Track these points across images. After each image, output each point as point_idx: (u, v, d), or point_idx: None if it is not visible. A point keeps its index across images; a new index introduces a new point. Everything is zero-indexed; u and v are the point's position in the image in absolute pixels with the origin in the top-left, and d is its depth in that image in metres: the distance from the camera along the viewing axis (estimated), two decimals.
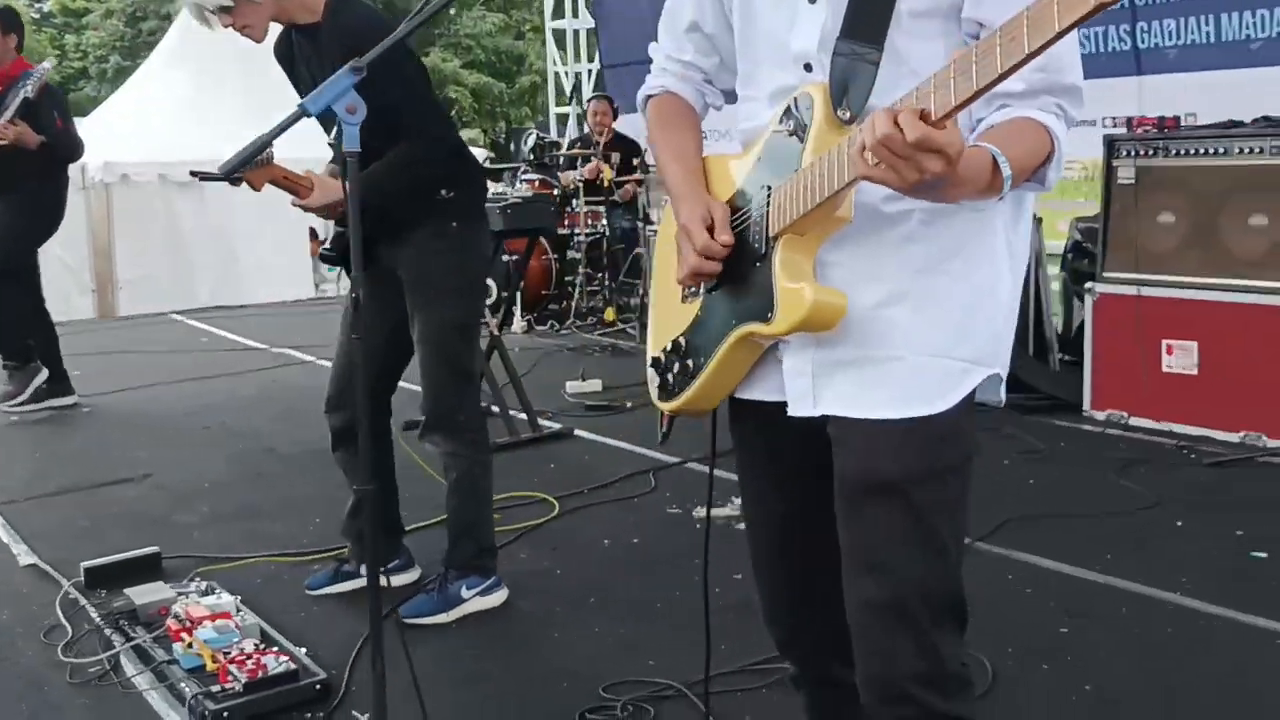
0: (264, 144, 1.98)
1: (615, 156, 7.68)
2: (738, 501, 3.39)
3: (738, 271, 1.50)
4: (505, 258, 7.80)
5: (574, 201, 7.63)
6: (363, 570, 2.85)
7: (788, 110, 1.44)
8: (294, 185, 2.88)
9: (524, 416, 5.00)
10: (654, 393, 1.70)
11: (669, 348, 1.65)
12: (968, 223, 1.41)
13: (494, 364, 4.99)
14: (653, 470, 4.30)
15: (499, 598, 3.20)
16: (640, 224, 7.80)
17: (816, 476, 1.52)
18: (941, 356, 1.41)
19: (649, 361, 1.71)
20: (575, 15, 10.61)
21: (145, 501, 4.23)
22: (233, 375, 6.55)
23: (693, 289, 1.62)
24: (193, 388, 6.25)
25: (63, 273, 8.36)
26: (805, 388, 1.46)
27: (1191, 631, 2.86)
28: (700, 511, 3.86)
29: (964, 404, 1.42)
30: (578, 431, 5.03)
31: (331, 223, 3.20)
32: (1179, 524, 3.61)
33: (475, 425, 3.16)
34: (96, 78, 25.42)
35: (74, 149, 5.59)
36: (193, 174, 2.85)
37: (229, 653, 2.74)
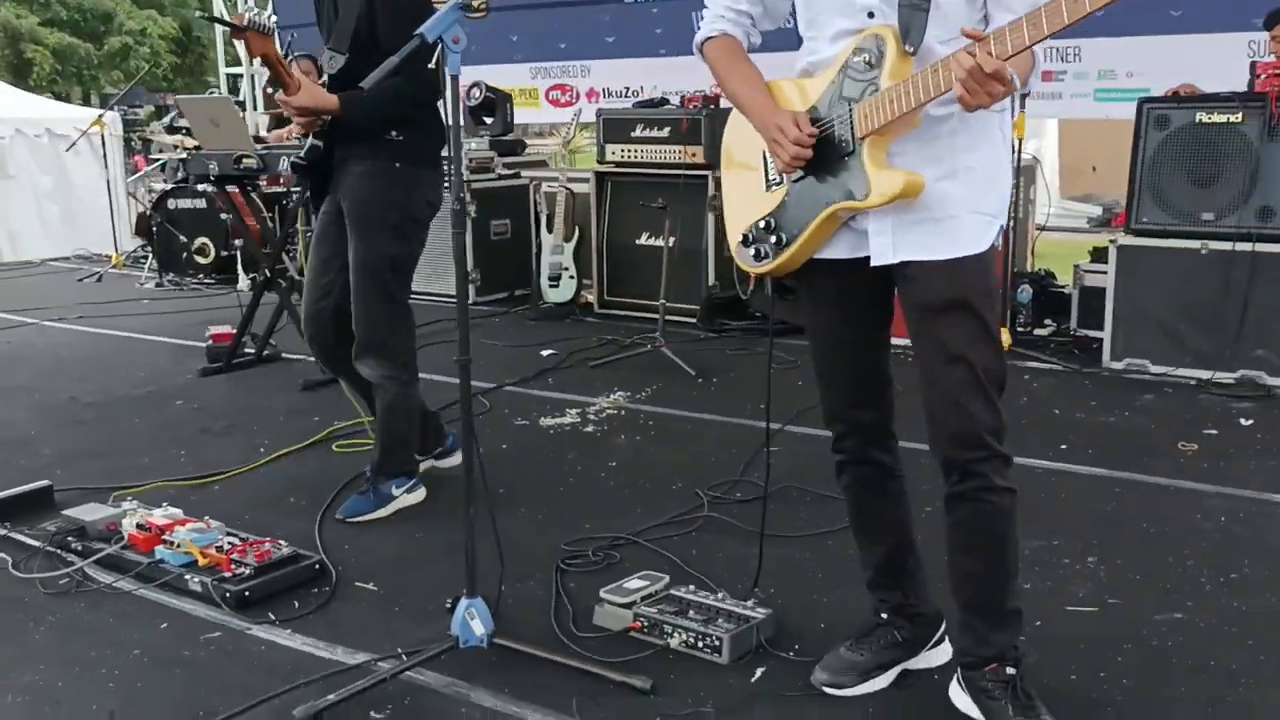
0: (392, 69, 2.32)
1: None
2: (573, 412, 4.02)
3: (824, 165, 2.12)
4: (224, 217, 7.76)
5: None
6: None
7: (860, 47, 2.07)
8: (283, 75, 3.10)
9: None
10: (745, 261, 2.28)
11: (761, 225, 2.24)
12: (983, 118, 2.06)
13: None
14: (481, 394, 4.74)
15: (421, 494, 3.56)
16: None
17: (874, 309, 2.22)
18: (979, 213, 2.09)
19: (737, 239, 2.29)
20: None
21: None
22: None
23: (777, 180, 2.22)
24: None
25: None
26: (887, 244, 2.09)
27: None
28: (546, 420, 4.39)
29: (992, 245, 2.13)
30: None
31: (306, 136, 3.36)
32: None
33: (404, 349, 3.48)
34: None
35: None
36: (207, 18, 3.02)
37: (221, 548, 2.96)
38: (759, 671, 2.43)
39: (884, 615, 2.40)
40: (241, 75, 10.49)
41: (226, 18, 2.96)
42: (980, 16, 2.05)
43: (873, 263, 2.12)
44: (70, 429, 4.42)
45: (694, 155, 6.05)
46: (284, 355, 5.42)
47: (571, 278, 6.39)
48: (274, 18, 2.84)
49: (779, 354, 5.24)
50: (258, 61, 3.12)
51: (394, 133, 3.27)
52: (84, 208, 10.09)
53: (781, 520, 3.24)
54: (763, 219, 2.24)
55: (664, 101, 6.47)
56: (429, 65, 3.25)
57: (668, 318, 5.45)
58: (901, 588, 2.38)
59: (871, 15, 2.05)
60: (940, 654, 2.44)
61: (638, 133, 6.25)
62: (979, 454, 2.07)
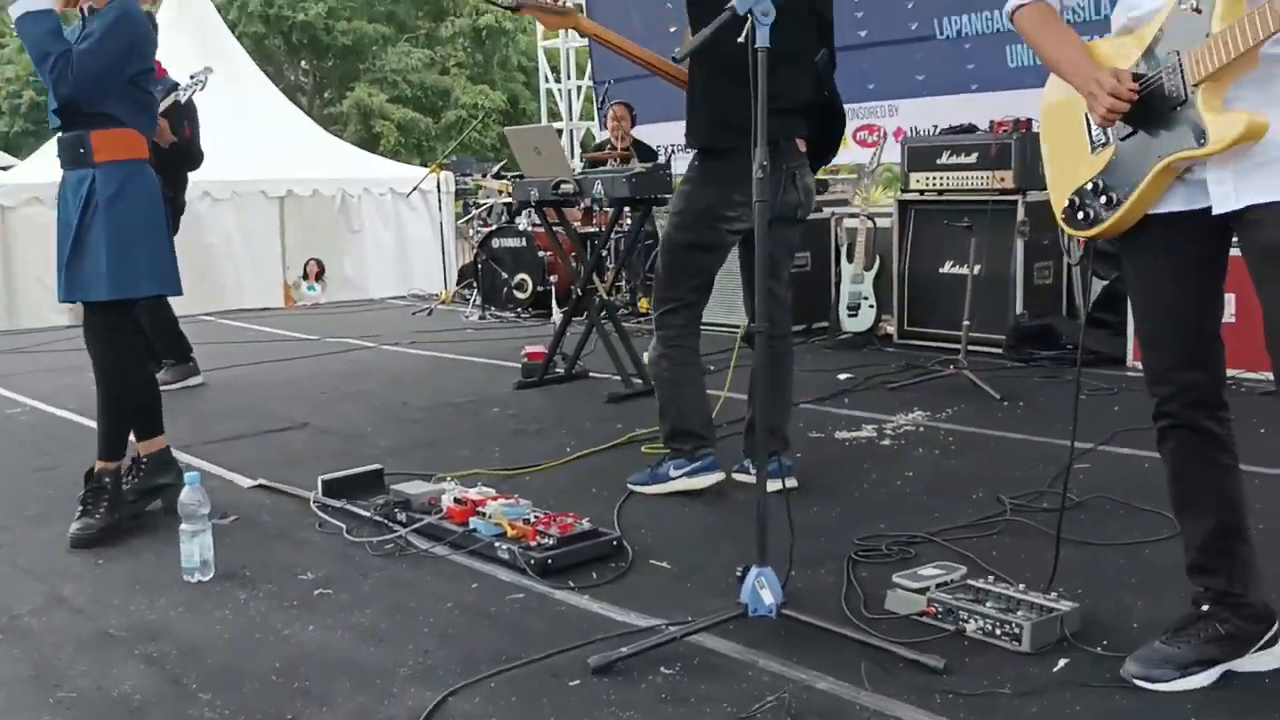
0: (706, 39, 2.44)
1: (634, 161, 8.14)
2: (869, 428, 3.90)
3: (1154, 118, 2.06)
4: (541, 254, 8.27)
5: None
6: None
7: None
8: (607, 40, 3.36)
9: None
10: (1072, 226, 2.26)
11: (1089, 189, 2.20)
12: None
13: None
14: None
15: (706, 480, 3.59)
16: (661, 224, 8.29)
17: (1204, 268, 2.13)
18: None
19: (1063, 205, 2.26)
20: (565, 34, 11.15)
21: (317, 443, 4.55)
22: (313, 357, 6.83)
23: (1102, 141, 2.17)
24: (291, 367, 6.54)
25: (36, 287, 8.63)
26: (1228, 190, 2.01)
27: None
28: (841, 434, 4.37)
29: None
30: None
31: None
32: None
33: (666, 324, 3.59)
34: (9, 113, 25.00)
35: (195, 158, 5.94)
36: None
37: (528, 520, 3.13)
38: (1062, 662, 2.30)
39: (1205, 606, 2.21)
40: (562, 130, 11.16)
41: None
42: None
43: (1214, 211, 2.04)
44: (401, 425, 4.83)
45: (1003, 180, 5.88)
46: (591, 374, 5.67)
47: (871, 307, 6.34)
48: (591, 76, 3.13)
49: (1092, 381, 5.01)
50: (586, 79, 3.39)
51: (697, 118, 3.47)
52: (418, 255, 11.11)
53: (1091, 528, 3.08)
54: (1090, 182, 2.21)
55: (972, 128, 6.33)
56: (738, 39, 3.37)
57: (973, 347, 5.31)
58: (1226, 573, 2.19)
59: None
60: (1272, 657, 2.22)
61: (944, 159, 6.16)
62: None
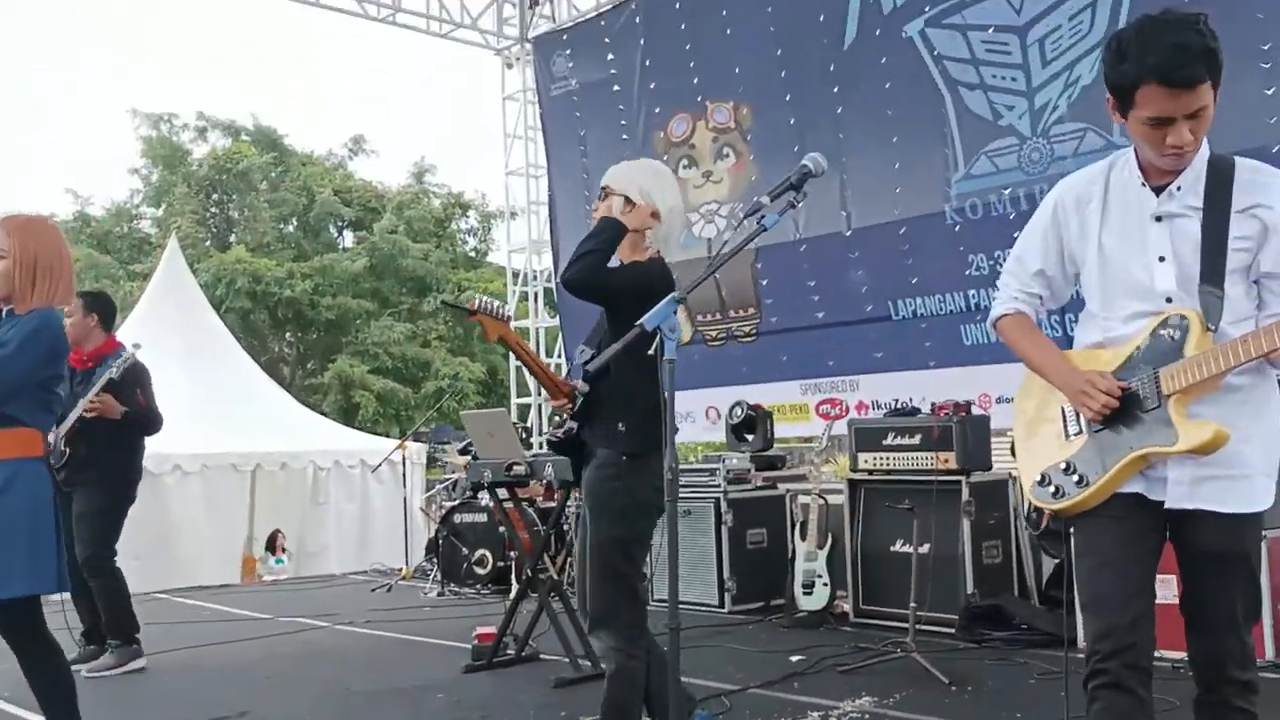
0: (614, 354, 2.61)
1: None
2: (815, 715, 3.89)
3: (1127, 417, 2.41)
4: (501, 529, 8.30)
5: None
6: None
7: (1168, 322, 2.40)
8: (523, 355, 3.52)
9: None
10: (1042, 499, 2.55)
11: (1061, 467, 2.50)
12: (1266, 390, 2.38)
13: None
14: (724, 694, 4.72)
15: None
16: None
17: (1147, 541, 2.44)
18: (1264, 474, 2.37)
19: (1033, 479, 2.56)
20: (535, 316, 11.64)
21: None
22: (265, 638, 6.72)
23: (1077, 430, 2.50)
24: (240, 649, 6.42)
25: None
26: (1185, 491, 2.37)
27: None
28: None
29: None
30: None
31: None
32: None
33: (632, 624, 3.61)
34: None
35: (152, 422, 5.95)
36: (444, 302, 3.49)
37: None
38: None
39: None
40: (530, 404, 11.47)
41: (464, 305, 3.44)
42: (1254, 304, 2.42)
43: (1167, 505, 2.39)
44: (343, 714, 4.74)
45: (946, 461, 6.06)
46: (542, 655, 5.61)
47: (825, 585, 6.37)
48: (508, 309, 3.32)
49: (1042, 664, 5.00)
50: (511, 355, 3.56)
51: (620, 425, 3.54)
52: (381, 529, 11.16)
53: None
54: (1063, 462, 2.51)
55: (915, 410, 6.57)
56: (648, 353, 3.54)
57: (926, 627, 5.30)
58: None
59: (1169, 300, 2.42)
60: None
61: (889, 440, 6.35)
62: (1237, 678, 2.39)
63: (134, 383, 5.80)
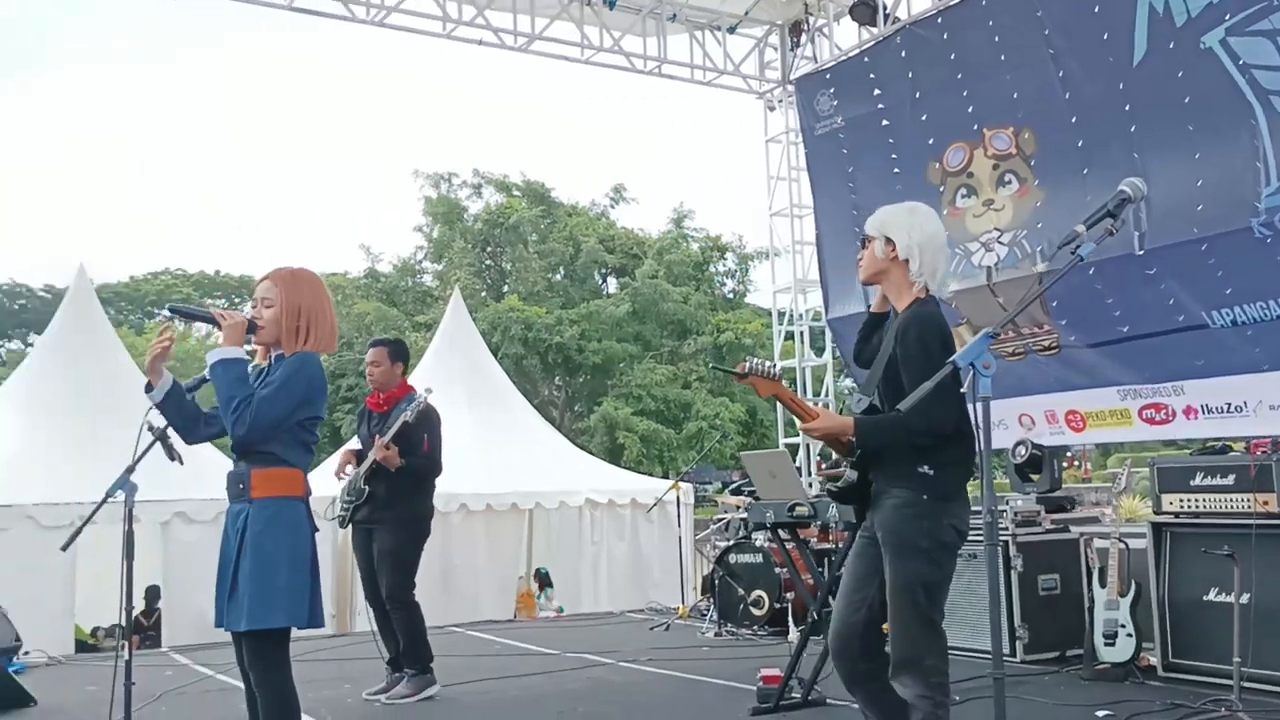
0: (927, 393, 2.56)
1: None
2: None
3: None
4: (777, 570, 8.27)
5: None
6: None
7: None
8: (796, 407, 3.49)
9: None
10: None
11: None
12: None
13: None
14: None
15: None
16: None
17: None
18: None
19: None
20: (801, 356, 11.59)
21: None
22: (550, 674, 6.93)
23: None
24: (528, 683, 6.63)
25: None
26: None
27: None
28: None
29: None
30: None
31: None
32: None
33: (938, 671, 3.51)
34: None
35: (432, 470, 6.25)
36: (716, 368, 3.53)
37: None
38: None
39: None
40: (798, 444, 11.39)
41: (733, 369, 3.48)
42: None
43: None
44: None
45: (1266, 504, 5.56)
46: (829, 700, 5.52)
47: (1130, 636, 5.95)
48: (777, 369, 3.35)
49: None
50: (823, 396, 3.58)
51: (925, 467, 3.45)
52: (650, 566, 11.35)
53: None
54: None
55: (1226, 449, 6.08)
56: (959, 390, 3.43)
57: (1253, 684, 4.87)
58: None
59: None
60: None
61: (1198, 480, 5.90)
62: None
63: (424, 426, 6.15)
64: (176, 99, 73.06)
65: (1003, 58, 8.20)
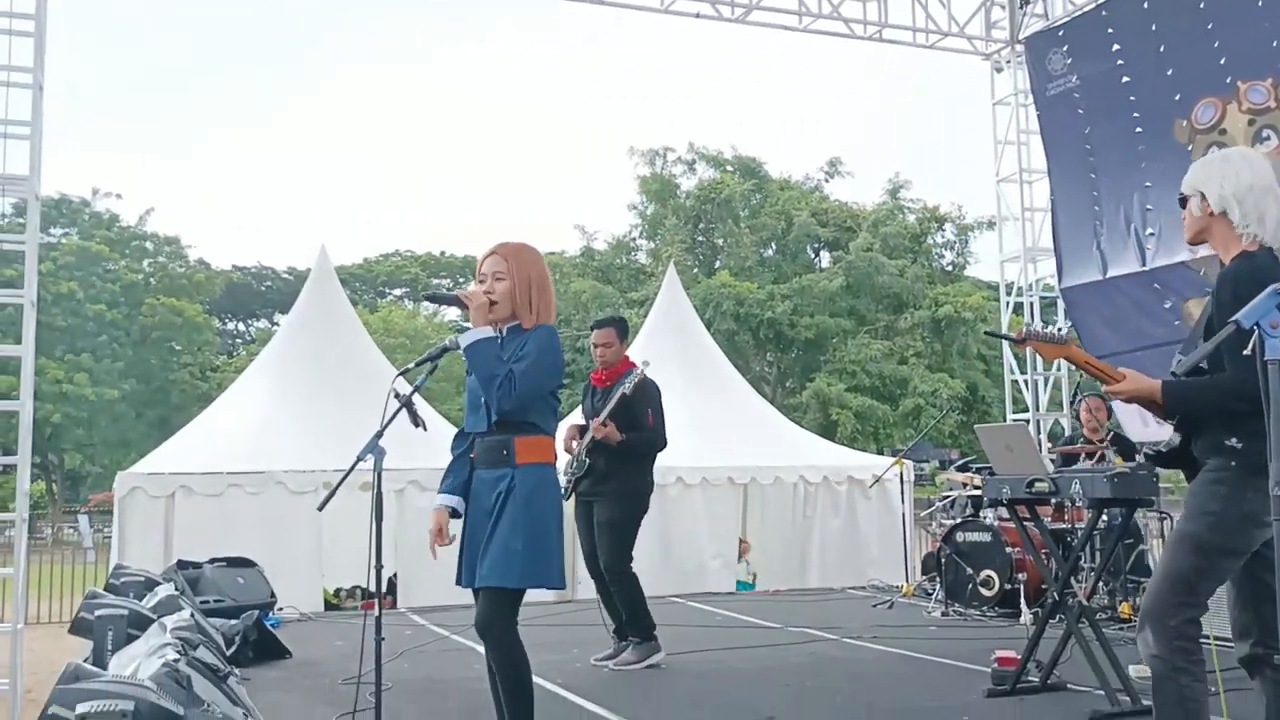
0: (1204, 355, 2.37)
1: (1110, 457, 7.74)
2: None
3: None
4: (1009, 550, 7.96)
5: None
6: None
7: None
8: (1096, 370, 3.32)
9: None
10: None
11: None
12: None
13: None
14: None
15: None
16: (1143, 521, 7.77)
17: None
18: None
19: None
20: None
21: None
22: (773, 647, 6.91)
23: None
24: (751, 655, 6.64)
25: None
26: None
27: None
28: None
29: None
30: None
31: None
32: None
33: (1186, 635, 3.26)
34: None
35: (655, 443, 6.29)
36: (988, 333, 3.40)
37: None
38: None
39: None
40: (1027, 419, 10.94)
41: (1010, 334, 3.34)
42: None
43: None
44: None
45: None
46: (1069, 685, 5.27)
47: None
48: (1065, 331, 3.19)
49: None
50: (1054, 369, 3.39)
51: (1233, 439, 3.20)
52: (869, 543, 11.12)
53: None
54: None
55: None
56: (1244, 352, 3.16)
57: None
58: None
59: None
60: None
61: None
62: None
63: (645, 400, 6.19)
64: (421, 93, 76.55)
65: (1260, 3, 7.58)
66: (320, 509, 4.02)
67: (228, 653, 5.90)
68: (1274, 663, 3.28)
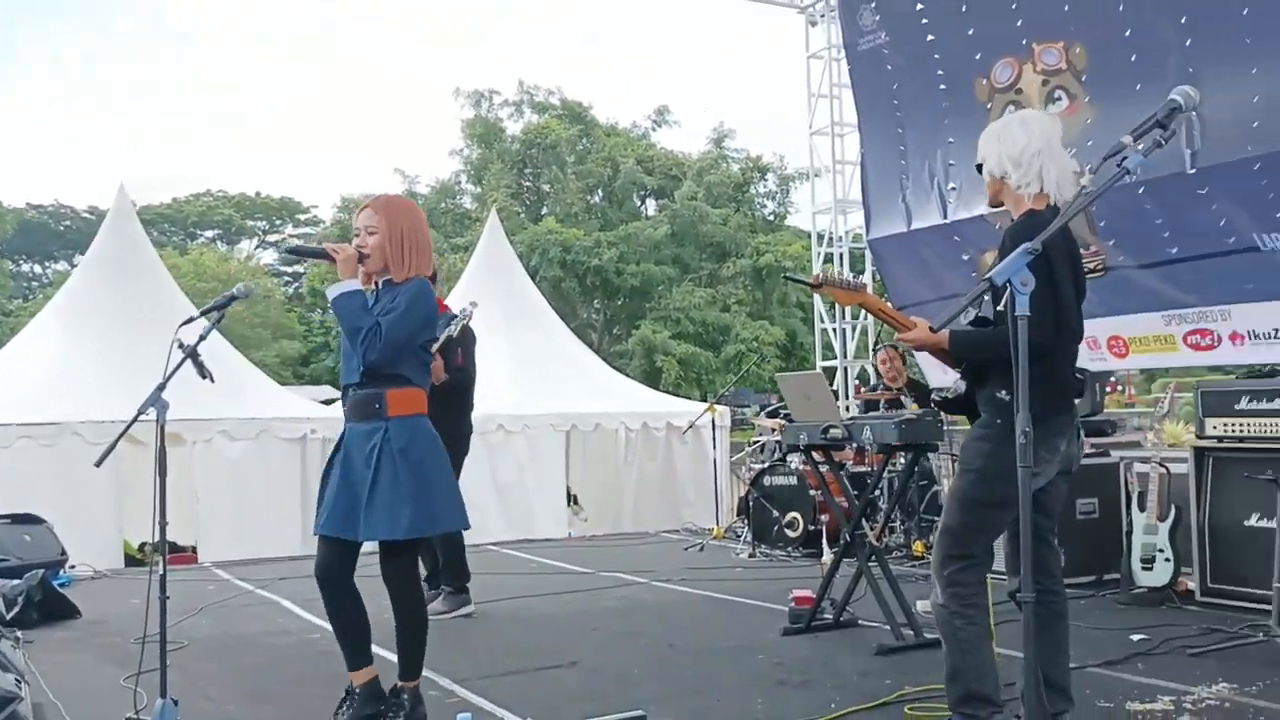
0: (961, 309, 2.49)
1: (906, 402, 8.10)
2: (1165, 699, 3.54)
3: None
4: (811, 493, 8.26)
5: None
6: None
7: None
8: (892, 318, 3.43)
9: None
10: None
11: None
12: None
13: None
14: None
15: None
16: (936, 463, 8.17)
17: None
18: None
19: None
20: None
21: (586, 683, 4.63)
22: (586, 592, 7.01)
23: None
24: (564, 600, 6.72)
25: None
26: None
27: None
28: (1134, 705, 4.02)
29: None
30: None
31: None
32: None
33: (959, 582, 3.46)
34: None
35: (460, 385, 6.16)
36: (786, 278, 3.49)
37: None
38: None
39: None
40: (835, 367, 11.33)
41: (807, 279, 3.45)
42: None
43: None
44: (667, 670, 4.84)
45: None
46: (860, 621, 5.53)
47: (1168, 560, 5.90)
48: (860, 279, 3.32)
49: None
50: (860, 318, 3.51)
51: (1003, 392, 3.36)
52: (684, 488, 11.37)
53: None
54: None
55: (1274, 372, 5.94)
56: (997, 308, 3.34)
57: None
58: None
59: None
60: None
61: (1243, 405, 5.78)
62: None
63: (460, 342, 6.13)
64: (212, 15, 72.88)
65: None
66: (98, 465, 3.85)
67: (9, 615, 5.61)
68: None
